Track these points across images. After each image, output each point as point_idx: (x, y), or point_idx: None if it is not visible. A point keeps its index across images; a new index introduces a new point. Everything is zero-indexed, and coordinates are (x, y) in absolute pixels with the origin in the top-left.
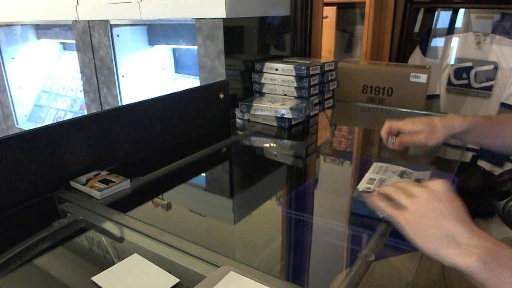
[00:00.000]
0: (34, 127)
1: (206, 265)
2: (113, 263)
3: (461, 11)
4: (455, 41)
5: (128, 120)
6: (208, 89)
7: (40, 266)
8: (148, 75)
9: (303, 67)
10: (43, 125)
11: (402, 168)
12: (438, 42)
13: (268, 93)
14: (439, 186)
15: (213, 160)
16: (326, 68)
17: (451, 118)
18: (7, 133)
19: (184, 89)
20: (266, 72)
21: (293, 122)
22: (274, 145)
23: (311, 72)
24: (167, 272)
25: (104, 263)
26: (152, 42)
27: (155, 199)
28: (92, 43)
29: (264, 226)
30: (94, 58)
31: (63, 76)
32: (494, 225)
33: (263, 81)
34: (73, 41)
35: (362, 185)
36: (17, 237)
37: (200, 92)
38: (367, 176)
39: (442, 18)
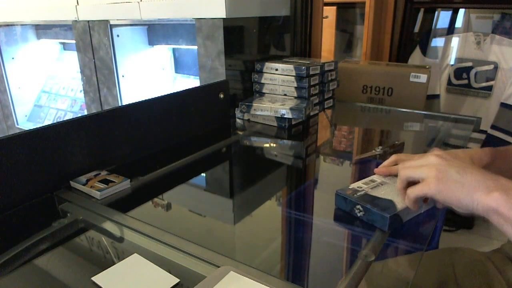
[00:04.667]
0: (34, 127)
1: (206, 265)
2: (113, 263)
3: (461, 11)
4: (455, 41)
5: (128, 120)
6: (208, 89)
7: (40, 266)
8: (148, 75)
9: (303, 67)
10: (43, 125)
11: None
12: (438, 42)
13: (268, 93)
14: (436, 151)
15: (213, 160)
16: (326, 68)
17: (476, 150)
18: (7, 133)
19: (184, 89)
20: (266, 72)
21: (293, 122)
22: (274, 145)
23: (311, 72)
24: (167, 272)
25: (104, 263)
26: (152, 42)
27: (155, 199)
28: (92, 43)
29: (264, 226)
30: (94, 58)
31: (63, 76)
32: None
33: (263, 81)
34: (73, 41)
35: (356, 184)
36: (17, 237)
37: (200, 92)
38: (371, 177)
39: (442, 18)
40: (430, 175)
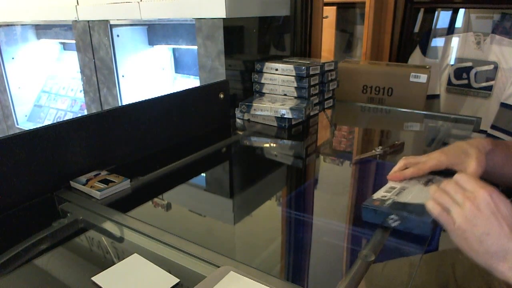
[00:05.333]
0: (34, 127)
1: (206, 265)
2: (113, 263)
3: (461, 11)
4: (455, 41)
5: (128, 120)
6: (208, 89)
7: (40, 266)
8: (148, 75)
9: (303, 67)
10: (43, 125)
11: (429, 176)
12: (438, 42)
13: (268, 93)
14: (484, 195)
15: (213, 160)
16: (326, 68)
17: (477, 139)
18: (7, 133)
19: (184, 89)
20: (266, 72)
21: (293, 122)
22: (274, 145)
23: (311, 72)
24: (167, 272)
25: (104, 263)
26: (152, 42)
27: (155, 199)
28: (92, 43)
29: (264, 226)
30: (94, 58)
31: (63, 76)
32: None
33: (263, 81)
34: (73, 41)
35: (379, 194)
36: (17, 237)
37: (200, 92)
38: (389, 184)
39: (442, 18)
40: (457, 218)
